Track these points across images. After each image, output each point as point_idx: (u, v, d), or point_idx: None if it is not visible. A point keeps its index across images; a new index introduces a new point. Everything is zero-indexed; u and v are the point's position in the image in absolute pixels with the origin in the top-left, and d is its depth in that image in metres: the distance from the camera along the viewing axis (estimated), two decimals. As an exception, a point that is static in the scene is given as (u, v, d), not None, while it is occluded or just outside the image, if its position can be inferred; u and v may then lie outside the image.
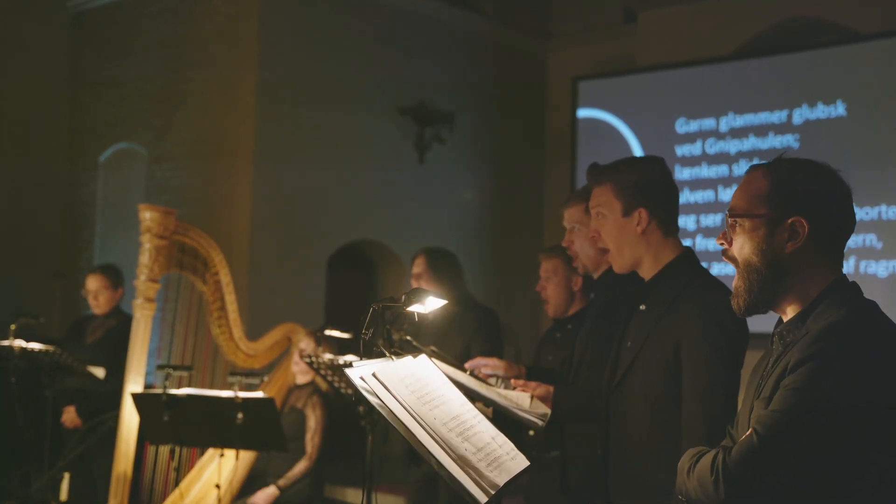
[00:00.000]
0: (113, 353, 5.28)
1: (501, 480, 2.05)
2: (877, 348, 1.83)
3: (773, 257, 1.94)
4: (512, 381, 3.09)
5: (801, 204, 1.93)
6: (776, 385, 1.85)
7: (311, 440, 5.09)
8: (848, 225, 1.99)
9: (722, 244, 2.03)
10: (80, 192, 9.26)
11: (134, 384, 4.78)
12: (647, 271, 2.72)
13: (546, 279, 4.06)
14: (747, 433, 1.82)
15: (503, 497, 2.05)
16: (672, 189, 2.78)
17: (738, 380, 2.47)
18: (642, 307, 2.69)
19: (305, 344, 5.18)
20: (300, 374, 5.28)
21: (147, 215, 4.81)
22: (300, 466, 5.06)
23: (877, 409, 1.77)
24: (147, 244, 4.81)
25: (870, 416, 1.77)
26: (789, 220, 1.93)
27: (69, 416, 5.54)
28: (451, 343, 4.39)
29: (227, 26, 8.17)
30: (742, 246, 1.97)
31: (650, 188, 2.71)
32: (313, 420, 5.12)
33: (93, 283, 5.66)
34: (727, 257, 2.02)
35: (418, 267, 4.68)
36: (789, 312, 1.98)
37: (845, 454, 1.77)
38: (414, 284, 4.69)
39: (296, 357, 5.25)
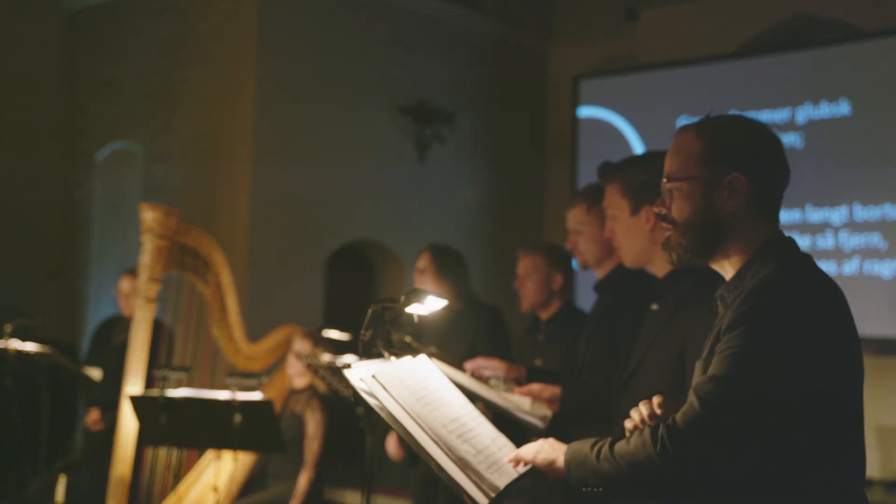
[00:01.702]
0: None
1: (502, 483, 2.03)
2: (806, 301, 1.80)
3: (713, 217, 1.92)
4: (515, 389, 3.07)
5: (737, 160, 1.91)
6: (713, 346, 1.84)
7: (310, 447, 5.04)
8: (784, 178, 1.97)
9: (661, 211, 2.00)
10: (77, 192, 9.21)
11: (133, 386, 4.73)
12: (659, 269, 2.70)
13: (525, 276, 4.01)
14: (688, 402, 1.79)
15: (504, 499, 2.01)
16: None
17: None
18: (654, 307, 2.66)
19: (301, 346, 5.13)
20: (296, 377, 5.23)
21: (149, 215, 4.75)
22: (303, 480, 5.01)
23: (810, 363, 1.74)
24: (148, 244, 4.76)
25: (804, 371, 1.74)
26: (728, 178, 1.90)
27: (93, 417, 5.52)
28: (455, 342, 4.34)
29: (226, 24, 8.12)
30: (681, 209, 1.95)
31: (656, 186, 2.68)
32: (312, 425, 5.06)
33: (126, 284, 5.60)
34: (665, 221, 1.99)
35: (423, 262, 4.63)
36: (729, 271, 1.95)
37: (786, 414, 1.74)
38: (417, 279, 4.64)
39: (291, 360, 5.19)
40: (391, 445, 4.71)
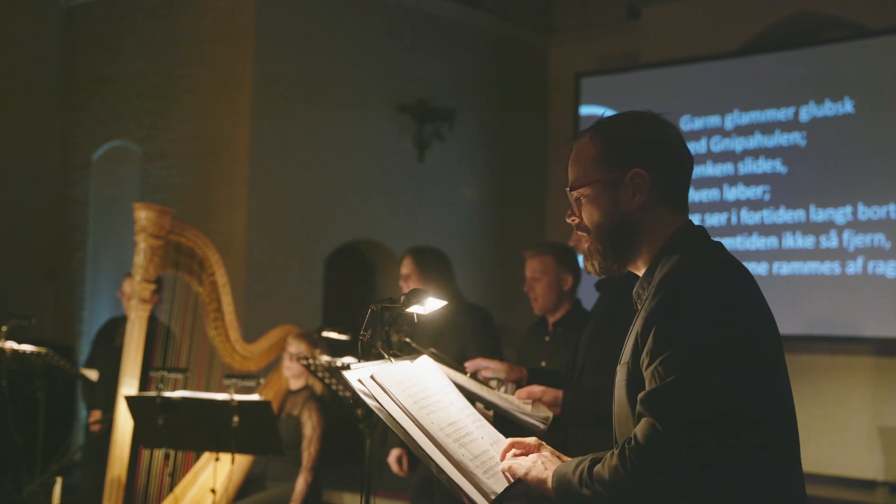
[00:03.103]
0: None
1: (499, 487, 1.98)
2: (714, 289, 1.77)
3: (621, 216, 1.91)
4: (516, 393, 3.02)
5: (635, 156, 1.90)
6: (634, 348, 1.81)
7: (307, 450, 5.00)
8: (687, 167, 1.96)
9: (573, 221, 1.99)
10: (73, 191, 9.16)
11: (128, 387, 4.69)
12: None
13: (534, 279, 3.93)
14: (643, 418, 1.74)
15: (504, 500, 1.96)
16: None
17: None
18: None
19: (296, 347, 5.08)
20: (293, 378, 5.18)
21: (142, 214, 4.71)
22: (301, 483, 4.97)
23: (732, 347, 1.71)
24: (142, 244, 4.72)
25: (730, 357, 1.71)
26: (629, 175, 1.89)
27: (95, 418, 5.50)
28: (448, 344, 4.31)
29: (223, 22, 8.07)
30: (591, 214, 1.94)
31: None
32: (309, 427, 5.02)
33: (129, 285, 5.57)
34: (580, 230, 1.98)
35: (406, 268, 4.59)
36: (641, 268, 1.94)
37: (730, 405, 1.71)
38: (402, 286, 4.60)
39: (287, 362, 5.14)
40: (394, 462, 4.68)
